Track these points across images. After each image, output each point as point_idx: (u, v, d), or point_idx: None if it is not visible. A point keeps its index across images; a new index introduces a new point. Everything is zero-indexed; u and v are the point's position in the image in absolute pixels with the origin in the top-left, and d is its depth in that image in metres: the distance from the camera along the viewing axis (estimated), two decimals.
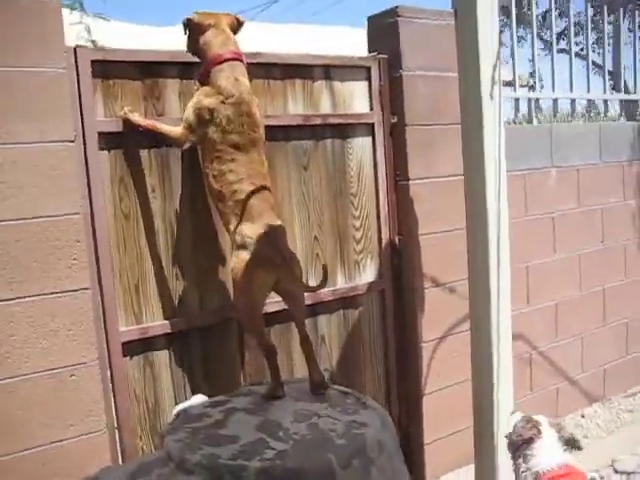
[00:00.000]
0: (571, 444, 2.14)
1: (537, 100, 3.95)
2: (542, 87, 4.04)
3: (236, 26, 2.42)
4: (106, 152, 2.41)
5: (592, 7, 4.51)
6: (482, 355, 2.61)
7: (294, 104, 2.85)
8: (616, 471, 3.31)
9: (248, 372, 2.76)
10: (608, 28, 6.25)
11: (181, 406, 2.29)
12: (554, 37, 4.05)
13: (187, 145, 2.38)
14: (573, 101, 4.15)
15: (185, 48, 2.44)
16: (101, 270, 2.38)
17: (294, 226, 2.85)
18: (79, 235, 2.27)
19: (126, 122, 2.39)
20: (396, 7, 3.01)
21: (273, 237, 2.28)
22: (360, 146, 3.05)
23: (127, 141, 2.45)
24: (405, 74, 3.04)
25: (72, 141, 2.26)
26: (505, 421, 2.49)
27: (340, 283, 3.01)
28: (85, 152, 2.34)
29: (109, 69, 2.41)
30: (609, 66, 5.04)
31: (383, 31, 3.09)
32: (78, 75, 2.31)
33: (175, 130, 2.36)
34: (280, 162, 2.80)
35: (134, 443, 2.48)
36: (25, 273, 2.17)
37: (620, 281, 4.16)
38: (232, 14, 2.41)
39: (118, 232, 2.45)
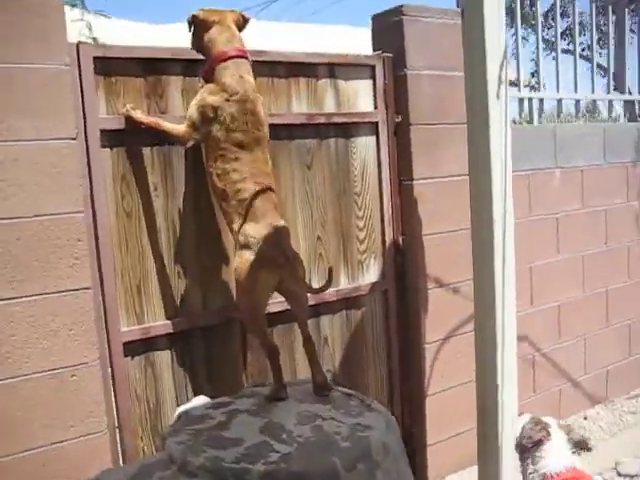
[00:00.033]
0: (581, 446, 2.12)
1: (541, 100, 3.92)
2: (544, 87, 4.01)
3: (242, 23, 2.40)
4: (108, 150, 2.39)
5: (597, 7, 4.47)
6: (486, 356, 2.58)
7: (298, 103, 2.82)
8: (619, 474, 3.29)
9: (250, 373, 2.73)
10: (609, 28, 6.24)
11: (183, 407, 2.26)
12: (558, 37, 4.02)
13: (190, 143, 2.35)
14: (578, 102, 4.13)
15: (189, 45, 2.41)
16: (102, 269, 2.35)
17: (297, 225, 2.83)
18: (80, 234, 2.25)
19: (128, 119, 2.37)
20: (401, 6, 2.99)
21: (277, 237, 2.25)
22: (364, 145, 3.03)
23: (129, 139, 2.43)
24: (410, 73, 3.01)
25: (74, 138, 2.24)
26: (510, 423, 2.47)
27: (343, 283, 2.99)
28: (87, 150, 2.31)
29: (111, 66, 2.38)
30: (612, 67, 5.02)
31: (388, 29, 3.06)
32: (80, 72, 2.29)
33: (178, 128, 2.34)
34: (284, 161, 2.78)
35: (135, 444, 2.46)
36: (26, 272, 2.14)
37: (623, 282, 4.13)
38: (237, 11, 2.39)
39: (120, 231, 2.43)
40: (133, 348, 2.46)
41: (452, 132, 3.08)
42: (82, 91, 2.29)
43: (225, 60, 2.27)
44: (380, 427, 2.02)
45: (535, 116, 3.89)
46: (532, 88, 4.24)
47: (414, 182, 3.06)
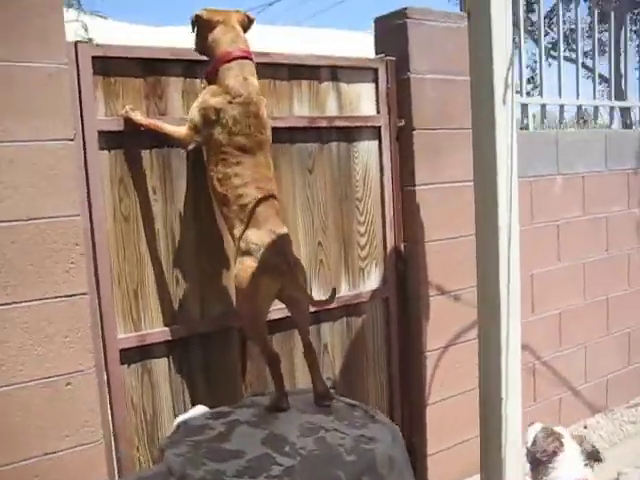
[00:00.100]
0: (593, 457, 2.08)
1: (543, 106, 3.90)
2: (540, 93, 3.99)
3: (246, 24, 2.34)
4: (106, 152, 2.33)
5: (599, 13, 4.46)
6: (490, 365, 2.53)
7: (300, 105, 2.77)
8: None
9: (249, 381, 2.67)
10: (606, 35, 6.24)
11: (182, 417, 2.20)
12: (561, 42, 4.00)
13: (192, 146, 2.29)
14: (579, 108, 4.11)
15: (192, 46, 2.36)
16: (99, 274, 2.29)
17: (298, 231, 2.78)
18: (77, 238, 2.18)
19: (127, 121, 2.31)
20: (405, 8, 2.95)
21: (279, 244, 2.20)
22: (366, 150, 2.98)
23: (128, 141, 2.37)
24: (413, 77, 2.97)
25: (71, 140, 2.17)
26: (513, 434, 2.43)
27: (344, 290, 2.94)
28: (85, 151, 2.25)
29: (110, 66, 2.33)
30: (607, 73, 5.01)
31: (391, 32, 3.02)
32: (79, 71, 2.23)
33: (179, 130, 2.28)
34: (285, 165, 2.73)
35: (131, 454, 2.39)
36: (20, 277, 2.08)
37: (624, 290, 4.11)
38: (242, 11, 2.34)
39: (117, 235, 2.37)
40: (130, 355, 2.39)
41: (455, 137, 3.05)
42: (80, 91, 2.23)
43: (229, 61, 2.22)
44: (385, 439, 1.97)
45: (530, 122, 3.87)
46: (527, 94, 4.23)
47: (416, 188, 3.02)
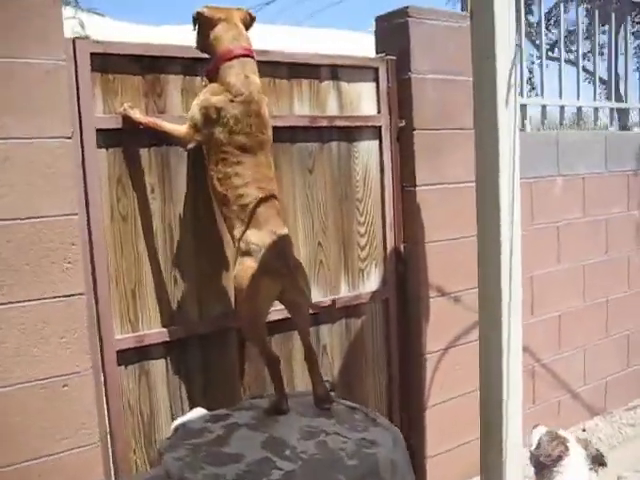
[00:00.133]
0: (598, 461, 2.05)
1: (543, 107, 3.87)
2: (536, 94, 3.98)
3: (248, 21, 2.31)
4: (104, 150, 2.30)
5: (600, 16, 4.44)
6: (491, 368, 2.51)
7: (300, 104, 2.74)
8: None
9: (248, 383, 2.64)
10: (604, 38, 6.24)
11: (180, 420, 2.17)
12: (562, 43, 3.98)
13: (192, 145, 2.26)
14: (579, 109, 4.09)
15: (193, 44, 2.32)
16: (96, 274, 2.25)
17: (298, 231, 2.75)
18: (74, 237, 2.15)
19: (126, 119, 2.27)
20: (406, 7, 2.92)
21: (280, 245, 2.18)
22: (366, 150, 2.96)
23: (126, 139, 2.33)
24: (414, 76, 2.95)
25: (69, 137, 2.14)
26: (514, 437, 2.41)
27: (343, 291, 2.91)
28: (82, 149, 2.22)
29: (109, 63, 2.29)
30: (605, 75, 5.00)
31: (392, 31, 2.99)
32: (77, 68, 2.19)
33: (179, 129, 2.25)
34: (285, 164, 2.70)
35: (128, 457, 2.36)
36: (16, 277, 2.04)
37: (623, 292, 4.09)
38: (244, 9, 2.31)
39: (115, 234, 2.33)
40: (127, 357, 2.36)
41: (456, 137, 3.02)
42: (78, 88, 2.20)
43: (230, 59, 2.18)
44: (387, 444, 1.94)
45: (527, 123, 3.84)
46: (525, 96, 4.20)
47: (417, 188, 2.99)
